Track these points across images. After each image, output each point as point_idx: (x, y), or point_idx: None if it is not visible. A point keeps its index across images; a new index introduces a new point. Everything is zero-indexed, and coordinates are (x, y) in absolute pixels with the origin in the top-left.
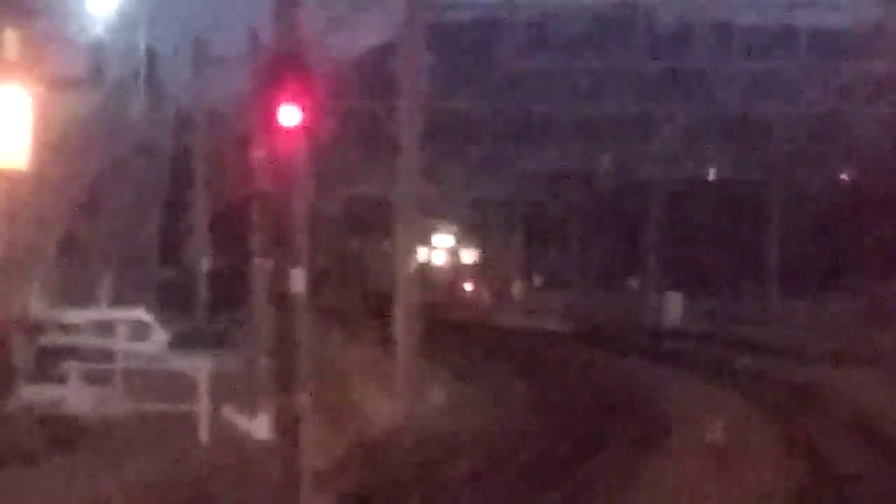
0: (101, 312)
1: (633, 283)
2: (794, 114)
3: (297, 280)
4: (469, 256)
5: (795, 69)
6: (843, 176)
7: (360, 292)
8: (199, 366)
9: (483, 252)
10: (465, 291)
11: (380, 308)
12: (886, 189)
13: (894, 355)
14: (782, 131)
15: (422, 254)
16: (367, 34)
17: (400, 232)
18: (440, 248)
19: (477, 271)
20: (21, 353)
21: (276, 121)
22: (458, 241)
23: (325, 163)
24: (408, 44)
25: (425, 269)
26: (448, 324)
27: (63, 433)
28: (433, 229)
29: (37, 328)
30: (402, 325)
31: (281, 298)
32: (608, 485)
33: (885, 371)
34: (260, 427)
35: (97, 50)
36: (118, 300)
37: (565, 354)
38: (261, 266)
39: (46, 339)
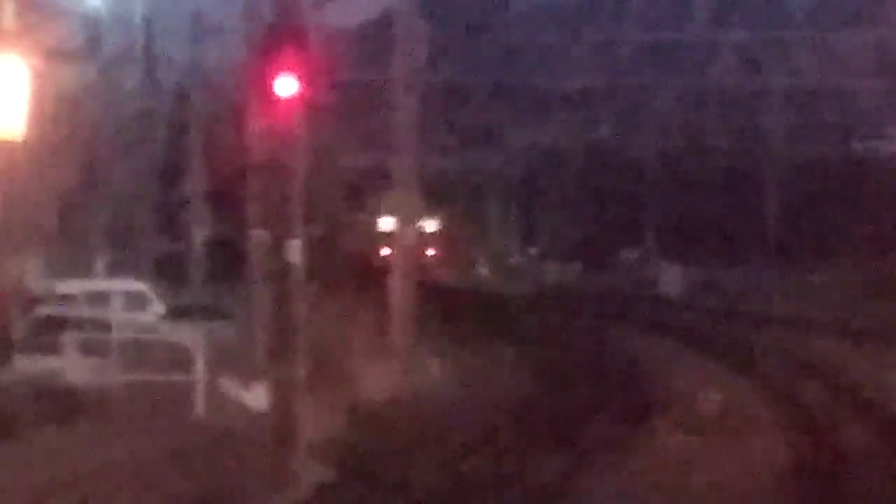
0: (98, 283)
1: (632, 254)
2: (790, 85)
3: (294, 251)
4: (432, 226)
5: (791, 40)
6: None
7: (348, 262)
8: (196, 337)
9: (449, 222)
10: (426, 256)
11: (370, 277)
12: (880, 161)
13: (881, 327)
14: (779, 103)
15: (387, 223)
16: (365, 4)
17: (398, 202)
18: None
19: (442, 239)
20: (18, 324)
21: (273, 91)
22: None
23: (318, 133)
24: (405, 13)
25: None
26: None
27: (60, 404)
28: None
29: (34, 299)
30: (399, 294)
31: (277, 269)
32: None
33: (862, 340)
34: (257, 397)
35: (94, 20)
36: (115, 271)
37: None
38: (258, 237)
39: (43, 310)
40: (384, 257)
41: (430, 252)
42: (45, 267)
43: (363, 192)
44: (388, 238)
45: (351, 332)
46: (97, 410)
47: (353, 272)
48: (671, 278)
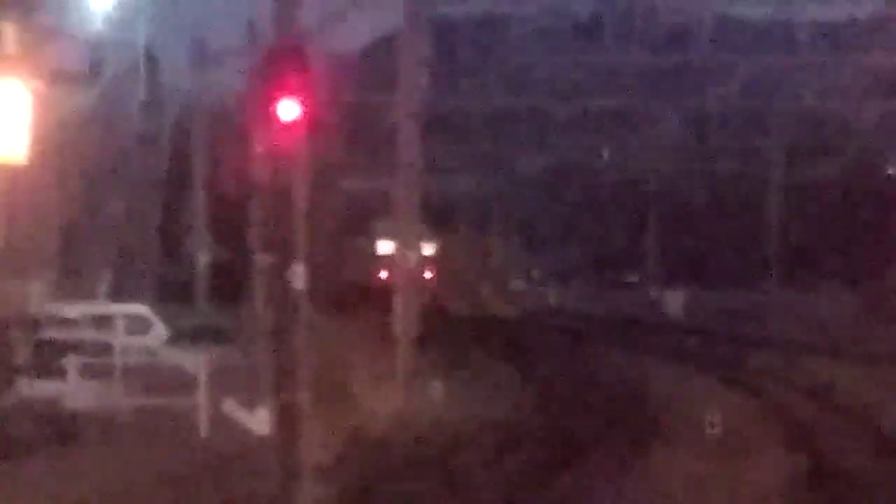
0: (100, 307)
1: (634, 277)
2: (793, 108)
3: (297, 275)
4: (429, 250)
5: (794, 64)
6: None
7: (347, 285)
8: (199, 360)
9: (449, 246)
10: (423, 279)
11: (369, 300)
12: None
13: (879, 349)
14: (781, 126)
15: (386, 247)
16: (366, 28)
17: (400, 226)
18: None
19: (437, 262)
20: (20, 348)
21: (276, 115)
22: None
23: (320, 157)
24: (408, 38)
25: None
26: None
27: (62, 428)
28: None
29: (35, 323)
30: (402, 318)
31: (281, 293)
32: None
33: (853, 362)
34: (260, 421)
35: (96, 44)
36: (118, 295)
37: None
38: (260, 261)
39: (45, 334)
40: (383, 280)
41: (428, 275)
42: (47, 290)
43: (361, 215)
44: (386, 261)
45: (353, 356)
46: (99, 434)
47: (352, 295)
48: (674, 302)
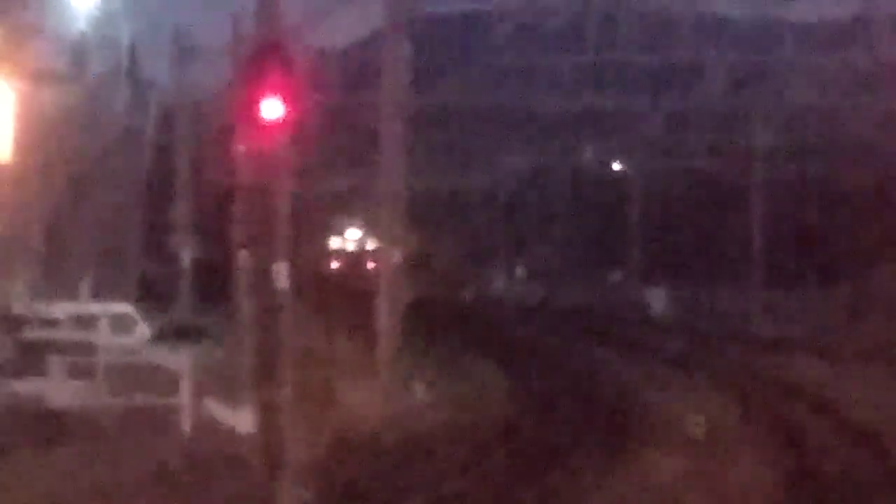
0: (83, 306)
1: (617, 276)
2: (776, 106)
3: (280, 274)
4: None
5: (777, 62)
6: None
7: (332, 281)
8: (182, 359)
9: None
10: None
11: (353, 297)
12: (870, 181)
13: (853, 344)
14: (764, 123)
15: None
16: (349, 27)
17: (383, 225)
18: (350, 240)
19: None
20: (3, 347)
21: (259, 114)
22: (365, 233)
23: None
24: (390, 37)
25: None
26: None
27: (44, 427)
28: (345, 224)
29: (19, 322)
30: (386, 316)
31: (263, 291)
32: None
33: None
34: (243, 420)
35: (80, 43)
36: (101, 293)
37: None
38: (244, 259)
39: (28, 333)
40: (334, 270)
41: (371, 265)
42: (30, 289)
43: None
44: (342, 255)
45: (331, 348)
46: (82, 433)
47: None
48: (657, 300)
